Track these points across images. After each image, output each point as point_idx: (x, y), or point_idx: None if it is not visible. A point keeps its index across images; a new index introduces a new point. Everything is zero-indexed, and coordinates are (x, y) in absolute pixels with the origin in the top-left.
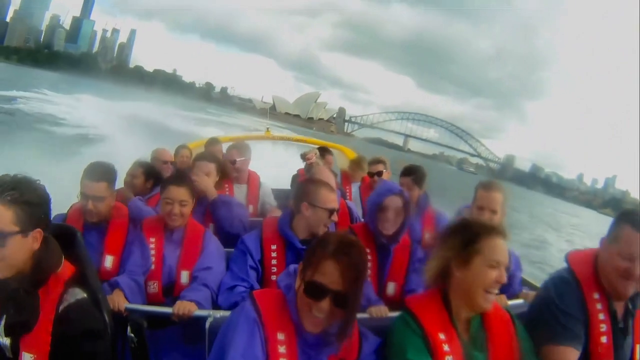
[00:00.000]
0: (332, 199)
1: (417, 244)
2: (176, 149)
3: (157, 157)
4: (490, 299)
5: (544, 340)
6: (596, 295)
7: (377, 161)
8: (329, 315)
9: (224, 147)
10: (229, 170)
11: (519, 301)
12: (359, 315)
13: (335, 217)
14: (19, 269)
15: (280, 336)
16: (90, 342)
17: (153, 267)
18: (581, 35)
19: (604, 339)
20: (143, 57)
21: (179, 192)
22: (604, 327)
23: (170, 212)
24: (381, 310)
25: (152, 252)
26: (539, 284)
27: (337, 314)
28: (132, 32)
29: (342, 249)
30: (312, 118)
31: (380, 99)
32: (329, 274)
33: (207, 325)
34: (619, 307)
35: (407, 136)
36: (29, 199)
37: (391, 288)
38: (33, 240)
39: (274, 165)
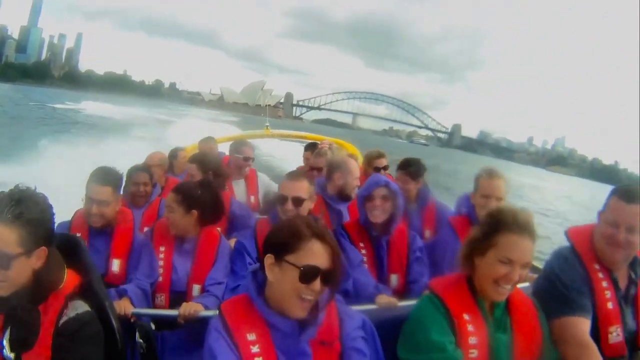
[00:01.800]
0: (282, 186)
1: (415, 234)
2: (171, 152)
3: (153, 162)
4: (501, 292)
5: (554, 314)
6: (597, 266)
7: (381, 155)
8: (317, 296)
9: (222, 146)
10: (224, 170)
11: (525, 284)
12: (368, 307)
13: (287, 205)
14: (20, 286)
15: (251, 337)
16: (87, 350)
17: (161, 279)
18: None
19: (610, 305)
20: (92, 60)
21: (169, 198)
22: (608, 294)
23: (167, 217)
24: (390, 301)
25: (161, 262)
26: (541, 267)
27: (324, 292)
28: (79, 36)
29: (317, 228)
30: (259, 105)
31: (330, 81)
32: (318, 255)
33: None
34: (622, 277)
35: (355, 114)
36: (31, 215)
37: (394, 280)
38: (37, 259)
39: (281, 161)
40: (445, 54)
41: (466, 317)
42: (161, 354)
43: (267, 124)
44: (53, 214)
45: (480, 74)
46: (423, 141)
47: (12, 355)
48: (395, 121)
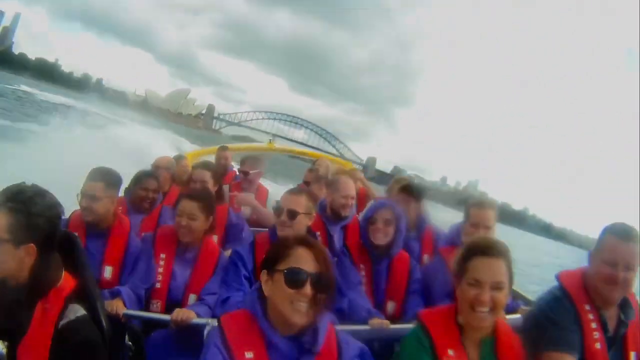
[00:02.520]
0: (281, 198)
1: (416, 264)
2: (174, 159)
3: (162, 164)
4: (479, 317)
5: (542, 348)
6: (587, 307)
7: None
8: (312, 303)
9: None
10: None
11: (516, 316)
12: (361, 327)
13: (282, 216)
14: (14, 277)
15: (248, 354)
16: (87, 355)
17: (159, 285)
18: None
19: (597, 345)
20: (25, 44)
21: (190, 206)
22: (596, 335)
23: (179, 224)
24: (382, 323)
25: (160, 269)
26: (533, 299)
27: (318, 300)
28: (17, 16)
29: (304, 238)
30: (181, 113)
31: (253, 98)
32: (303, 259)
33: (206, 333)
34: (612, 318)
35: (274, 135)
36: (31, 211)
37: (391, 307)
38: (26, 253)
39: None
40: (371, 86)
41: (450, 352)
42: (148, 354)
43: (271, 139)
44: (59, 217)
45: (403, 110)
46: None
47: (4, 350)
48: (312, 147)
